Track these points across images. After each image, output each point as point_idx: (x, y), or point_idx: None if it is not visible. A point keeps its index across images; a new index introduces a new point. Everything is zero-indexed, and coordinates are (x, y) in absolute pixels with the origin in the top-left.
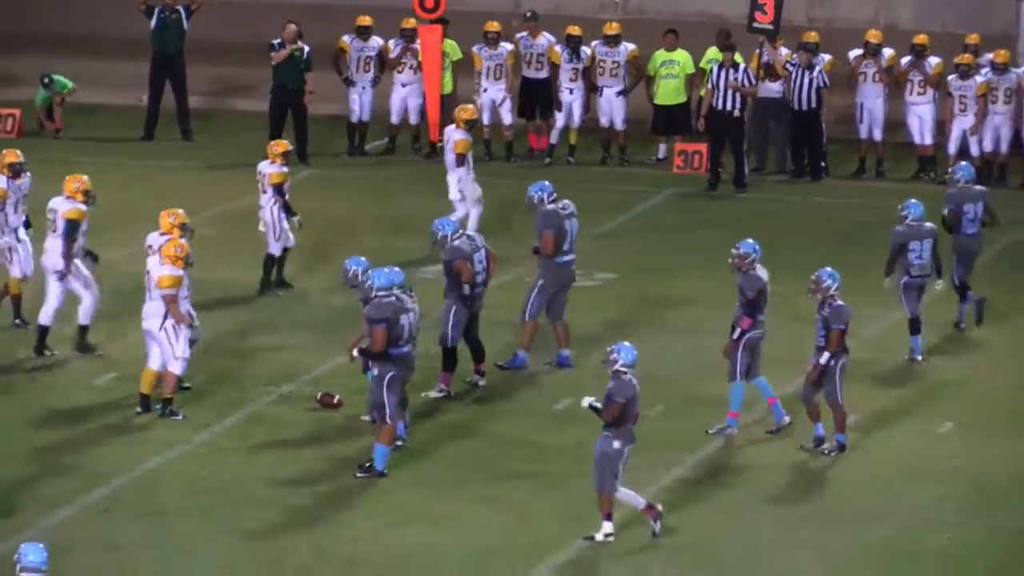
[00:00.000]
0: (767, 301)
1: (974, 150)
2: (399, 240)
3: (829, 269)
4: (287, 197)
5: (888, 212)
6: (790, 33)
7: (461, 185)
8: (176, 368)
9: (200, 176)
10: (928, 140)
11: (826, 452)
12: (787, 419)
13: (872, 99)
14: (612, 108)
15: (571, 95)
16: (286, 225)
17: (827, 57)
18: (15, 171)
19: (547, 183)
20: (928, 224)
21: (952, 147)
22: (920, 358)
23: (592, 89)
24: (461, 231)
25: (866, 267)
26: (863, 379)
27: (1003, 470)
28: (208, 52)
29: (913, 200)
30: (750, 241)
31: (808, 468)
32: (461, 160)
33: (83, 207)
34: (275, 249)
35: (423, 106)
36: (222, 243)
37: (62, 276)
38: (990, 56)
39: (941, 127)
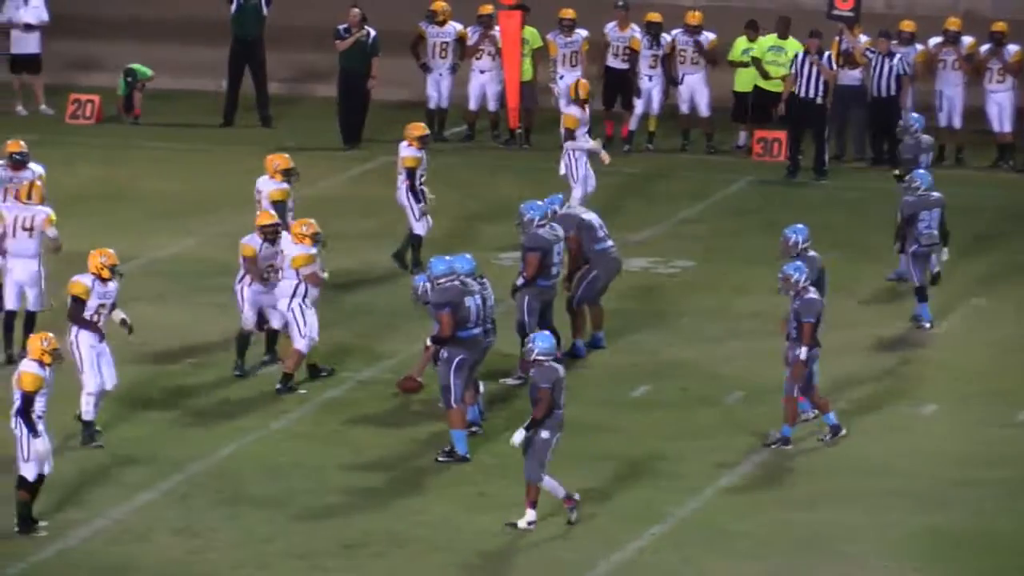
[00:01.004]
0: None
1: None
2: (480, 226)
3: (797, 263)
4: (420, 182)
5: (966, 199)
6: (869, 20)
7: (570, 162)
8: (301, 346)
9: None
10: (1007, 128)
11: (770, 443)
12: (811, 415)
13: (951, 87)
14: (695, 93)
15: (650, 82)
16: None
17: (920, 47)
18: (15, 162)
19: (538, 202)
20: (935, 194)
21: None
22: (928, 325)
23: (672, 82)
24: (547, 219)
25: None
26: (938, 366)
27: None
28: (288, 38)
29: (921, 171)
30: (800, 226)
31: (866, 454)
32: (569, 135)
33: (285, 186)
34: (420, 229)
35: (501, 93)
36: None
37: None
38: None
39: (1022, 115)
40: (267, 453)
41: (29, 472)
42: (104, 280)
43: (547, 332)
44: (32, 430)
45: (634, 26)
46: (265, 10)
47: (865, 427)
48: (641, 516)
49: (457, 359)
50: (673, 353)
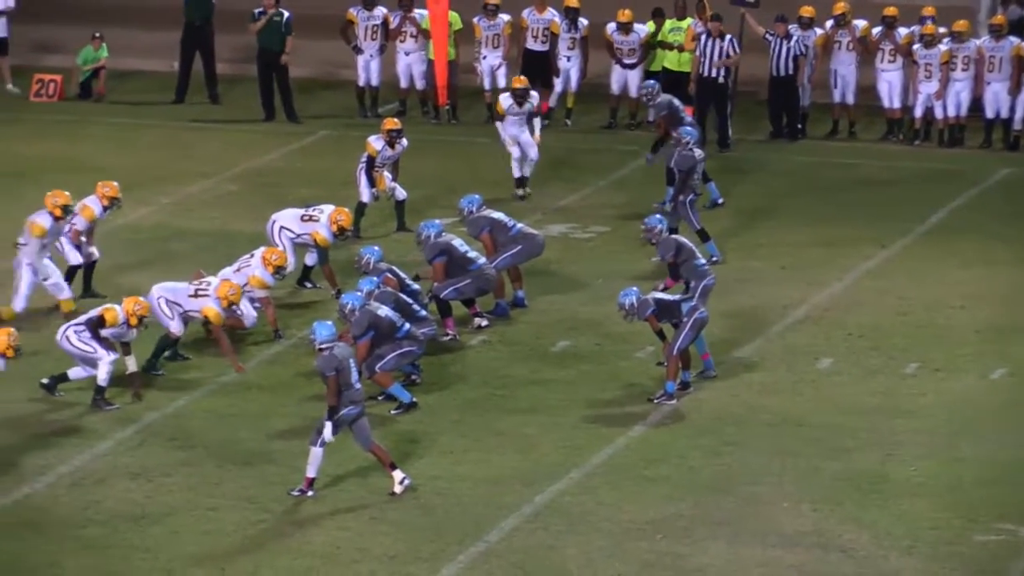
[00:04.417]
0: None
1: (938, 113)
2: (413, 193)
3: (657, 216)
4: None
5: (857, 169)
6: (771, 6)
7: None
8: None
9: (226, 136)
10: (896, 104)
11: (655, 399)
12: (714, 373)
13: (845, 66)
14: (627, 80)
15: (568, 62)
16: None
17: (819, 31)
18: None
19: (476, 196)
20: (700, 151)
21: (918, 111)
22: (717, 259)
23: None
24: (442, 231)
25: (837, 218)
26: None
27: None
28: (233, 22)
29: (688, 127)
30: (656, 216)
31: (770, 405)
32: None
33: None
34: (366, 197)
35: (426, 72)
36: (246, 198)
37: None
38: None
39: (908, 92)
40: (217, 404)
41: None
42: (131, 326)
43: (326, 322)
44: None
45: (551, 9)
46: None
47: (770, 380)
48: (562, 461)
49: (404, 350)
50: (589, 311)
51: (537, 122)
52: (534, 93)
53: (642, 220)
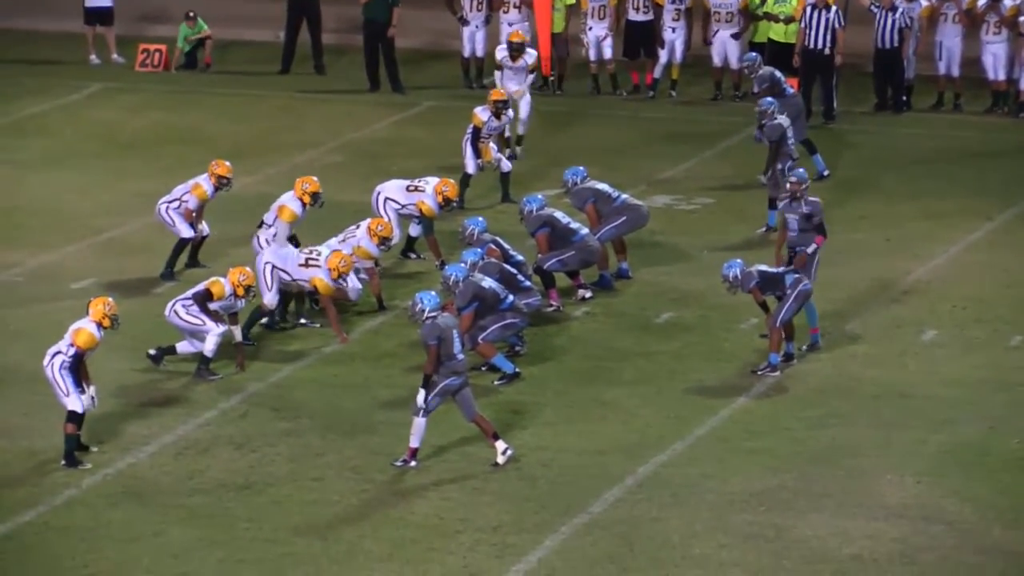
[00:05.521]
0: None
1: None
2: (517, 164)
3: (801, 170)
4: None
5: (963, 142)
6: None
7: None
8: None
9: (331, 107)
10: (1001, 76)
11: (758, 371)
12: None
13: (951, 38)
14: (727, 49)
15: (673, 33)
16: None
17: (924, 3)
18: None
19: (581, 168)
20: (785, 118)
21: None
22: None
23: (705, 42)
24: (544, 204)
25: (942, 191)
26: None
27: None
28: None
29: (768, 98)
30: (801, 170)
31: (873, 377)
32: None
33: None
34: (471, 169)
35: (531, 42)
36: (350, 169)
37: None
38: None
39: (1014, 64)
40: (320, 375)
41: (76, 405)
42: (239, 296)
43: (430, 292)
44: (78, 386)
45: None
46: None
47: (874, 352)
48: (665, 433)
49: (508, 321)
50: (693, 283)
51: (529, 79)
52: (531, 50)
53: (792, 172)
